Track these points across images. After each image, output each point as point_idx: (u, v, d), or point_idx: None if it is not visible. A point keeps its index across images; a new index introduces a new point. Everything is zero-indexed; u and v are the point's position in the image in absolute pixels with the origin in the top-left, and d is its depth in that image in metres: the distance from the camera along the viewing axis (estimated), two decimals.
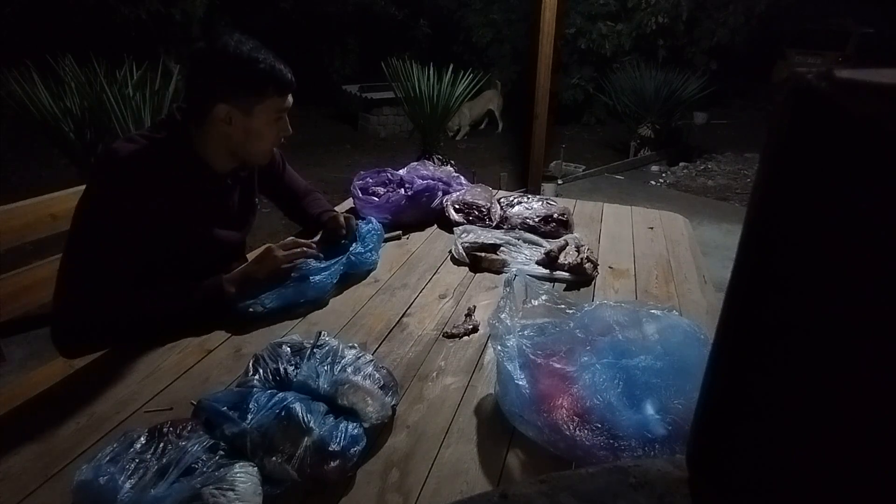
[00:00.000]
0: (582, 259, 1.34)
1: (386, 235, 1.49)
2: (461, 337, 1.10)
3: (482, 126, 7.38)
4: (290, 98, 1.15)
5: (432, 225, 1.67)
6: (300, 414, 0.73)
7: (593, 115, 8.19)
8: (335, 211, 1.57)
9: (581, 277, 1.34)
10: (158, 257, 1.10)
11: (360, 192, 1.66)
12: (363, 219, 1.46)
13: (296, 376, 0.83)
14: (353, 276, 1.31)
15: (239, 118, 1.09)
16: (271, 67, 1.08)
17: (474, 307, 1.19)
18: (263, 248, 1.20)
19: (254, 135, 1.12)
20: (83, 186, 1.08)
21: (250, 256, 1.25)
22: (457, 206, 1.67)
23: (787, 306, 0.36)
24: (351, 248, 1.31)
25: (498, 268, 1.39)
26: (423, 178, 1.72)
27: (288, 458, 0.71)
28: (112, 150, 1.04)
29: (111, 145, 1.05)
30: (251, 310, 1.14)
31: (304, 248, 1.22)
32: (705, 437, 0.45)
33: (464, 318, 1.15)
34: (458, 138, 6.95)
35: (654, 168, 6.15)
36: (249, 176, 1.28)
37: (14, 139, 4.94)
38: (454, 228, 1.55)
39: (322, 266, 1.22)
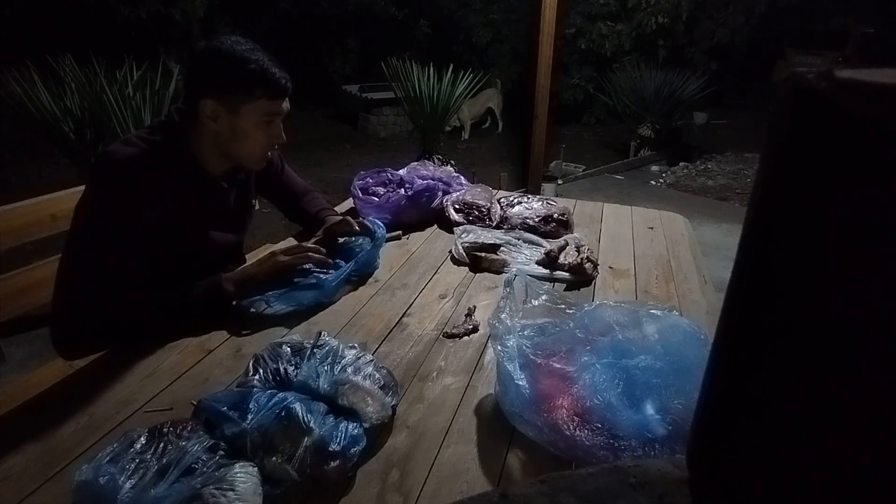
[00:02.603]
0: (582, 259, 1.34)
1: (386, 235, 1.49)
2: (461, 337, 1.10)
3: (485, 125, 7.39)
4: (284, 105, 1.14)
5: (432, 225, 1.67)
6: (300, 414, 0.73)
7: (593, 115, 8.20)
8: (334, 210, 1.57)
9: (581, 277, 1.34)
10: (156, 259, 1.10)
11: (360, 192, 1.66)
12: (365, 218, 1.46)
13: (296, 376, 0.83)
14: (354, 276, 1.31)
15: (225, 116, 1.09)
16: (262, 69, 1.07)
17: (474, 307, 1.19)
18: (267, 252, 1.20)
19: (241, 135, 1.11)
20: (83, 187, 1.08)
21: (251, 258, 1.25)
22: (457, 206, 1.67)
23: (787, 306, 0.36)
24: (358, 253, 1.30)
25: (498, 268, 1.39)
26: (423, 178, 1.72)
27: (288, 458, 0.71)
28: (109, 152, 1.04)
29: (108, 148, 1.05)
30: (254, 310, 1.14)
31: (309, 253, 1.20)
32: (705, 437, 0.45)
33: (464, 318, 1.15)
34: (463, 137, 6.97)
35: (654, 168, 6.15)
36: (246, 178, 1.28)
37: (14, 139, 4.94)
38: (454, 228, 1.55)
39: (331, 276, 1.21)
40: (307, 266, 1.20)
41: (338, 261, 1.27)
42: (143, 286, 1.07)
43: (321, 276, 1.20)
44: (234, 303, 1.13)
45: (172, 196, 1.09)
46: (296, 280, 1.19)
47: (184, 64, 1.21)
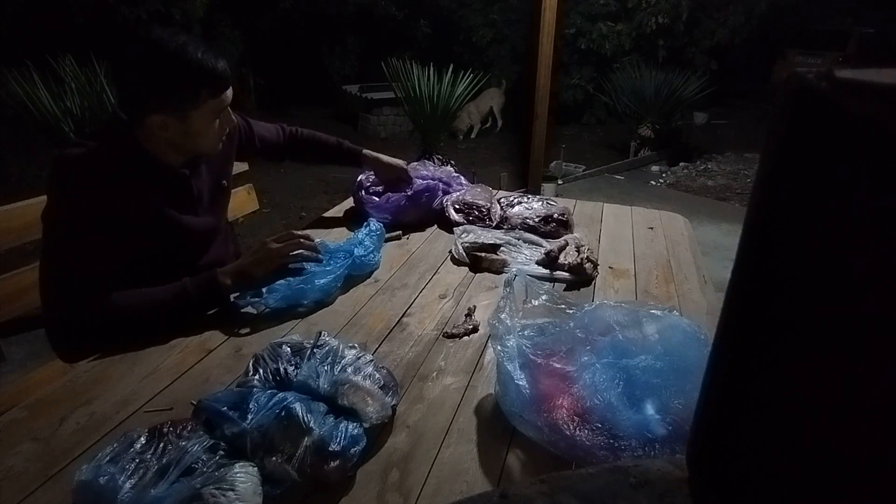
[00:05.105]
0: (582, 259, 1.34)
1: (386, 235, 1.50)
2: (461, 337, 1.10)
3: (486, 125, 7.43)
4: (227, 94, 1.10)
5: (432, 225, 1.67)
6: (300, 414, 0.73)
7: (593, 115, 8.20)
8: (345, 142, 1.67)
9: (581, 277, 1.34)
10: (138, 254, 1.10)
11: (360, 192, 1.66)
12: (367, 224, 1.46)
13: (296, 376, 0.83)
14: (354, 276, 1.31)
15: (175, 125, 1.05)
16: (201, 69, 1.02)
17: (474, 307, 1.19)
18: (259, 242, 1.20)
19: (195, 136, 1.09)
20: None
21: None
22: (457, 206, 1.67)
23: (787, 306, 0.36)
24: (354, 252, 1.31)
25: (498, 268, 1.39)
26: (423, 178, 1.72)
27: (288, 458, 0.71)
28: (63, 156, 1.03)
29: (62, 152, 1.03)
30: (254, 310, 1.14)
31: (301, 240, 1.21)
32: (705, 438, 0.45)
33: (464, 318, 1.15)
34: (472, 136, 7.06)
35: (654, 168, 6.16)
36: (210, 160, 1.25)
37: (14, 139, 4.93)
38: (454, 228, 1.55)
39: (327, 269, 1.22)
40: (299, 251, 1.20)
41: (334, 260, 1.27)
42: (138, 284, 1.07)
43: (314, 267, 1.21)
44: (231, 297, 1.14)
45: (135, 191, 1.07)
46: (291, 266, 1.19)
47: (117, 72, 1.12)
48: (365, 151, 1.67)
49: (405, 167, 1.69)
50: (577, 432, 0.76)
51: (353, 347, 0.90)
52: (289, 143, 1.60)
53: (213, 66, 1.03)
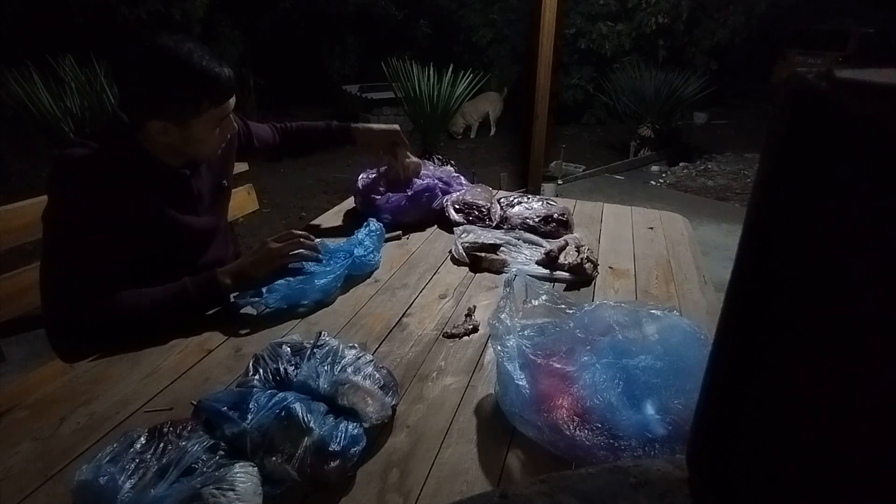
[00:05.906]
0: (582, 259, 1.34)
1: (386, 235, 1.50)
2: (461, 337, 1.10)
3: (485, 126, 7.45)
4: (230, 102, 1.10)
5: (432, 225, 1.67)
6: (300, 414, 0.73)
7: (593, 115, 8.21)
8: (332, 122, 1.66)
9: (581, 277, 1.34)
10: (138, 254, 1.10)
11: (360, 192, 1.66)
12: (367, 224, 1.46)
13: (296, 376, 0.83)
14: (354, 276, 1.31)
15: (175, 132, 1.05)
16: (205, 78, 1.02)
17: (474, 307, 1.19)
18: (259, 242, 1.20)
19: (195, 142, 1.10)
20: None
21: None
22: (457, 206, 1.67)
23: (787, 306, 0.36)
24: (354, 252, 1.31)
25: (498, 268, 1.39)
26: (423, 178, 1.72)
27: (288, 458, 0.71)
28: (64, 156, 1.02)
29: (63, 152, 1.03)
30: (254, 310, 1.14)
31: (301, 239, 1.21)
32: (705, 438, 0.45)
33: (464, 318, 1.15)
34: (471, 136, 7.09)
35: (654, 168, 6.16)
36: (210, 161, 1.25)
37: (14, 139, 4.94)
38: (454, 228, 1.55)
39: (327, 269, 1.22)
40: (299, 251, 1.20)
41: (334, 260, 1.27)
42: (138, 284, 1.07)
43: (314, 267, 1.21)
44: (231, 297, 1.14)
45: (135, 191, 1.07)
46: (291, 266, 1.19)
47: (119, 74, 1.11)
48: (354, 126, 1.66)
49: (398, 129, 1.67)
50: (577, 432, 0.76)
51: (353, 347, 0.90)
52: (283, 140, 1.60)
53: (216, 75, 1.04)
